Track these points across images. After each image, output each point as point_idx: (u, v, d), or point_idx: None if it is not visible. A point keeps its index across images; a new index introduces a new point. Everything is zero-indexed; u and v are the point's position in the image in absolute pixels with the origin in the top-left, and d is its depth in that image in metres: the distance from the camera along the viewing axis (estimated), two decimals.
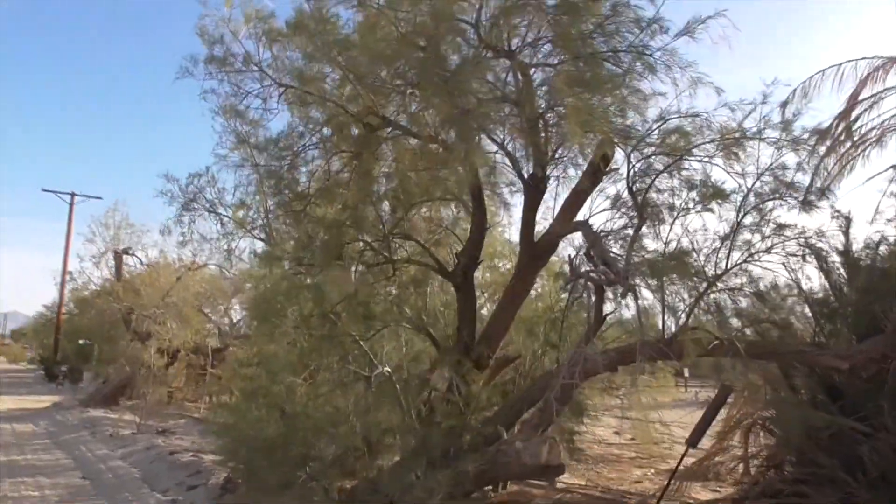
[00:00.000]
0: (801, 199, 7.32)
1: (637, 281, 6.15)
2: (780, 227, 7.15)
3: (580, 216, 7.83)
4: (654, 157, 6.44)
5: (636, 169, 6.54)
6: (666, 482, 9.45)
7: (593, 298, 7.06)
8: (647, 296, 7.44)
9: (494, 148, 7.87)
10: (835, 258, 7.80)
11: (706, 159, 6.58)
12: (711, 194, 7.30)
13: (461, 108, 5.78)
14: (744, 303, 7.23)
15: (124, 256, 23.79)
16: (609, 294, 6.85)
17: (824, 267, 8.26)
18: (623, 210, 6.80)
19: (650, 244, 7.43)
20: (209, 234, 11.18)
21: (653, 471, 13.23)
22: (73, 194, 39.01)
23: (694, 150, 6.55)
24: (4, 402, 26.60)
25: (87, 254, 25.06)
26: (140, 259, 23.48)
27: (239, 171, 7.65)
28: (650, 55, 5.74)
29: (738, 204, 7.32)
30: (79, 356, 34.93)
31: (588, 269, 6.37)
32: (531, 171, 7.32)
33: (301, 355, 7.21)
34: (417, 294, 7.42)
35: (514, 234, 10.62)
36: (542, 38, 5.84)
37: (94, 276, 25.71)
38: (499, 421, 7.71)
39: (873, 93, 10.87)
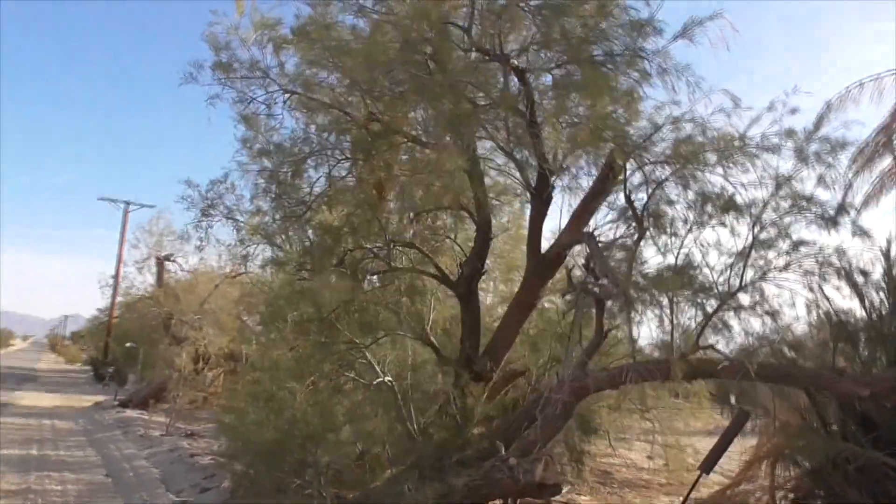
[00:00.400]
0: (824, 215, 6.96)
1: (634, 295, 5.86)
2: (797, 245, 6.80)
3: (591, 227, 7.64)
4: (652, 165, 6.19)
5: (636, 178, 6.30)
6: None
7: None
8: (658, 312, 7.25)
9: (503, 158, 7.76)
10: (866, 280, 7.35)
11: (709, 169, 6.26)
12: (724, 207, 7.01)
13: (455, 112, 5.68)
14: (756, 323, 6.87)
15: (166, 263, 24.41)
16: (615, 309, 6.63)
17: (858, 289, 7.84)
18: (625, 221, 6.55)
19: (657, 258, 7.24)
20: (228, 240, 11.27)
21: (681, 498, 12.76)
22: (127, 203, 40.30)
23: (701, 161, 6.24)
24: (52, 400, 27.52)
25: (130, 259, 25.81)
26: (180, 265, 24.04)
27: (256, 177, 7.71)
28: (645, 58, 5.52)
29: (754, 219, 7.01)
30: (126, 358, 35.92)
31: (589, 281, 6.15)
32: (536, 181, 7.16)
33: (299, 360, 7.18)
34: (414, 303, 7.30)
35: None
36: (534, 42, 5.68)
37: (138, 282, 26.46)
38: (498, 436, 7.51)
39: None
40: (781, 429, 9.17)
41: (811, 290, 6.91)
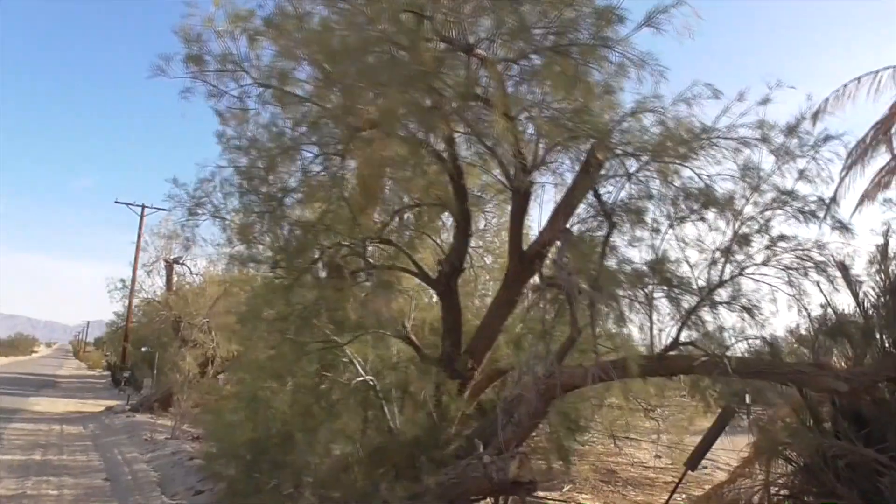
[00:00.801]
0: (808, 210, 6.81)
1: (593, 291, 5.75)
2: (779, 239, 6.65)
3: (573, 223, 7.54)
4: (620, 157, 6.08)
5: (602, 171, 6.20)
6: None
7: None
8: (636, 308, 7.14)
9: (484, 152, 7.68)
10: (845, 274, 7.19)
11: (684, 162, 6.13)
12: (704, 202, 6.89)
13: (423, 104, 5.62)
14: (733, 318, 6.73)
15: (175, 266, 24.60)
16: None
17: (853, 286, 7.69)
18: (595, 216, 6.45)
19: (640, 254, 7.13)
20: (216, 239, 11.27)
21: (684, 496, 12.61)
22: (143, 206, 40.64)
23: (675, 154, 6.12)
24: (65, 405, 27.87)
25: (140, 263, 26.05)
26: (189, 269, 24.19)
27: (231, 174, 7.68)
28: (609, 46, 5.41)
29: (735, 213, 6.88)
30: (143, 363, 36.26)
31: (560, 276, 6.06)
32: (514, 175, 7.08)
33: (273, 359, 7.16)
34: (388, 300, 7.24)
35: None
36: (500, 32, 5.59)
37: (147, 286, 26.69)
38: (477, 434, 7.44)
39: None
40: (775, 426, 9.05)
41: (791, 284, 6.75)
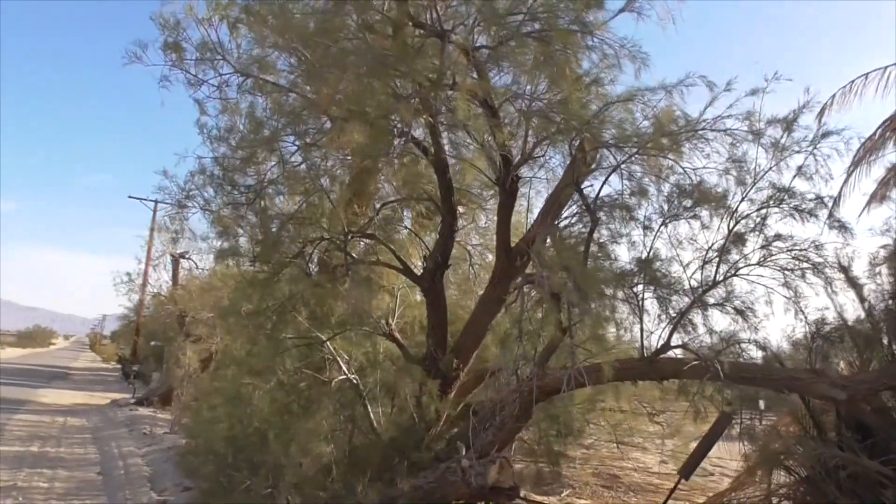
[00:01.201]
0: (804, 209, 6.50)
1: (574, 291, 5.48)
2: (771, 240, 6.35)
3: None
4: (604, 150, 5.81)
5: (592, 165, 5.92)
6: None
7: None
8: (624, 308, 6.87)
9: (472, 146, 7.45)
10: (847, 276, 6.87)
11: (675, 156, 5.84)
12: (697, 199, 6.60)
13: (388, 90, 5.39)
14: (725, 321, 6.44)
15: (181, 260, 24.55)
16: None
17: (858, 290, 7.39)
18: (579, 211, 6.18)
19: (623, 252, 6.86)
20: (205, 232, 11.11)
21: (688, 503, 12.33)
22: (156, 202, 40.71)
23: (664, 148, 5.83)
24: (73, 397, 27.98)
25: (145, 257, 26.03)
26: (195, 263, 24.12)
27: (211, 165, 7.48)
28: (589, 31, 5.14)
29: (729, 211, 6.59)
30: (152, 357, 36.38)
31: (538, 274, 5.80)
32: (499, 171, 6.83)
33: (250, 355, 6.98)
34: (368, 296, 7.01)
35: None
36: (476, 17, 5.34)
37: (153, 279, 26.68)
38: (461, 437, 7.20)
39: None
40: (777, 435, 8.76)
41: (788, 286, 6.44)
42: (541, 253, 5.69)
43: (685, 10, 5.28)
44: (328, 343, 7.23)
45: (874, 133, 9.14)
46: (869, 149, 8.92)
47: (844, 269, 6.99)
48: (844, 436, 7.74)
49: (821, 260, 6.41)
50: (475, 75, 5.80)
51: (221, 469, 7.07)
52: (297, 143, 6.62)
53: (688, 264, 6.64)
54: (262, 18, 6.30)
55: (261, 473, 6.97)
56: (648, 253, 6.59)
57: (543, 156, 6.98)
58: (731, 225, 6.61)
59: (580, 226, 6.26)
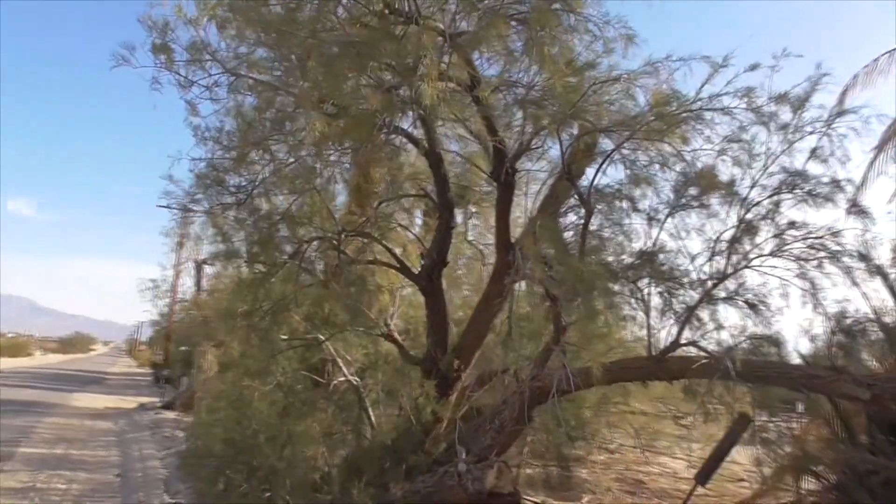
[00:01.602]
0: (819, 193, 6.10)
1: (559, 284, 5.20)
2: (783, 228, 5.96)
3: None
4: (601, 137, 5.50)
5: (580, 153, 5.62)
6: None
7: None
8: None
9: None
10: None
11: (677, 141, 5.51)
12: (704, 186, 6.25)
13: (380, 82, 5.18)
14: (736, 315, 6.06)
15: (204, 266, 24.74)
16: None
17: (887, 279, 6.98)
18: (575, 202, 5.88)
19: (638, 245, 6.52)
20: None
21: None
22: (185, 209, 41.06)
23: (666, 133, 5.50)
24: (105, 401, 28.40)
25: (169, 263, 26.32)
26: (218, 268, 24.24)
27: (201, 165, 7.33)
28: (570, 10, 4.85)
29: (739, 199, 6.22)
30: (182, 361, 36.74)
31: (523, 268, 5.52)
32: (493, 162, 6.57)
33: (243, 356, 6.83)
34: (363, 296, 6.80)
35: None
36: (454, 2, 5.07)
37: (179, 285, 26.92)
38: (462, 440, 6.95)
39: None
40: (805, 439, 8.36)
41: (803, 277, 6.04)
42: (523, 245, 5.42)
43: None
44: (328, 344, 7.04)
45: None
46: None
47: (866, 258, 6.56)
48: (876, 439, 7.33)
49: (839, 248, 5.99)
50: (451, 60, 5.54)
51: (219, 472, 6.93)
52: (285, 140, 6.44)
53: (695, 256, 6.30)
54: (245, 15, 6.14)
55: (258, 476, 6.81)
56: (654, 244, 6.27)
57: (541, 147, 6.68)
58: (742, 213, 6.24)
59: (576, 218, 5.96)
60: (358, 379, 7.46)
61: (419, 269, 7.33)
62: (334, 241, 6.81)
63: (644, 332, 6.67)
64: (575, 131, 6.17)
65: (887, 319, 7.06)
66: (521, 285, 7.12)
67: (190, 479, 8.91)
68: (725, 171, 6.05)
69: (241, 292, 6.96)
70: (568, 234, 5.98)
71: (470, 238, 10.44)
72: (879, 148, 8.53)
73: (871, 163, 8.79)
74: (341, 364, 7.44)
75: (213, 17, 6.58)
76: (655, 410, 12.38)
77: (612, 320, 6.41)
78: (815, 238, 6.01)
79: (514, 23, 5.05)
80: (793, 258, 6.10)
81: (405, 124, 7.01)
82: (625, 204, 5.92)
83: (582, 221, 5.99)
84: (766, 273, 6.13)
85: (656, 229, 6.19)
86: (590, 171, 6.49)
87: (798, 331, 6.21)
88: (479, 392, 7.78)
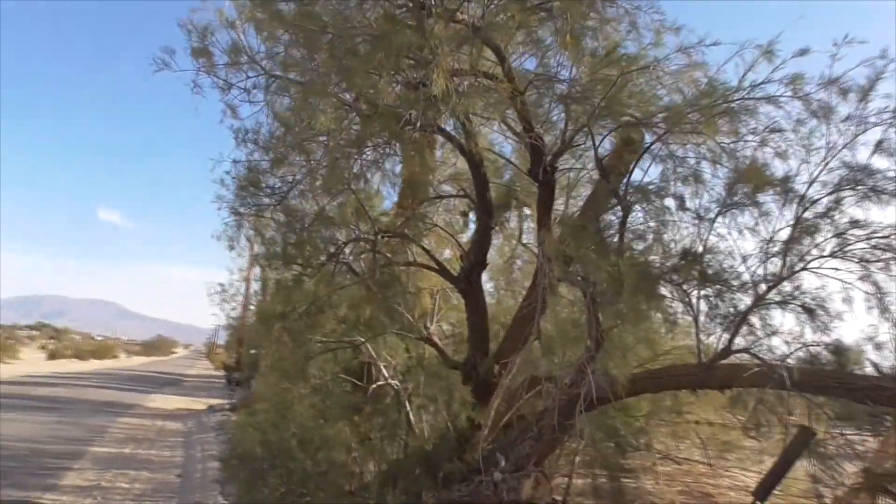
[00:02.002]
0: (885, 190, 5.60)
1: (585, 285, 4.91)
2: (846, 228, 5.47)
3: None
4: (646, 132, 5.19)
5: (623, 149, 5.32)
6: None
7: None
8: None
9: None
10: None
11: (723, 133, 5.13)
12: (758, 183, 5.83)
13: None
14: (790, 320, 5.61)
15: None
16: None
17: None
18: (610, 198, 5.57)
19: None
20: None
21: None
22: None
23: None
24: (178, 402, 29.44)
25: (235, 268, 26.94)
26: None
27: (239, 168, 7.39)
28: None
29: (797, 196, 5.77)
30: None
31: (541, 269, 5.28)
32: (531, 161, 6.33)
33: (280, 359, 6.82)
34: (389, 297, 6.65)
35: None
36: None
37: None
38: (503, 448, 6.73)
39: None
40: (883, 455, 7.73)
41: (867, 279, 5.53)
42: (543, 242, 5.17)
43: None
44: (368, 347, 6.96)
45: None
46: None
47: None
48: None
49: None
50: (479, 52, 5.35)
51: (257, 475, 6.93)
52: (322, 141, 6.40)
53: (747, 257, 5.88)
54: (268, 10, 6.15)
55: (295, 480, 6.77)
56: (703, 245, 5.90)
57: (583, 144, 6.39)
58: (799, 211, 5.79)
59: (613, 217, 5.65)
60: (398, 383, 7.33)
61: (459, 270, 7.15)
62: (370, 242, 6.72)
63: (687, 338, 6.31)
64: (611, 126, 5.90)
65: None
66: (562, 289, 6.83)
67: (231, 481, 9.00)
68: (781, 166, 5.61)
69: (277, 295, 6.96)
70: (609, 235, 5.67)
71: (525, 241, 10.21)
72: None
73: None
74: (382, 367, 7.33)
75: (252, 19, 6.61)
76: (724, 420, 11.83)
77: (657, 325, 6.07)
78: (881, 238, 5.51)
79: (542, 13, 4.82)
80: (855, 259, 5.62)
81: (448, 125, 6.92)
82: (669, 202, 5.58)
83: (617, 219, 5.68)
84: (825, 276, 5.66)
85: (705, 229, 5.82)
86: (641, 169, 6.21)
87: (862, 338, 5.69)
88: (521, 399, 7.54)
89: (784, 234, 5.79)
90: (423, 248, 7.02)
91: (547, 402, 6.33)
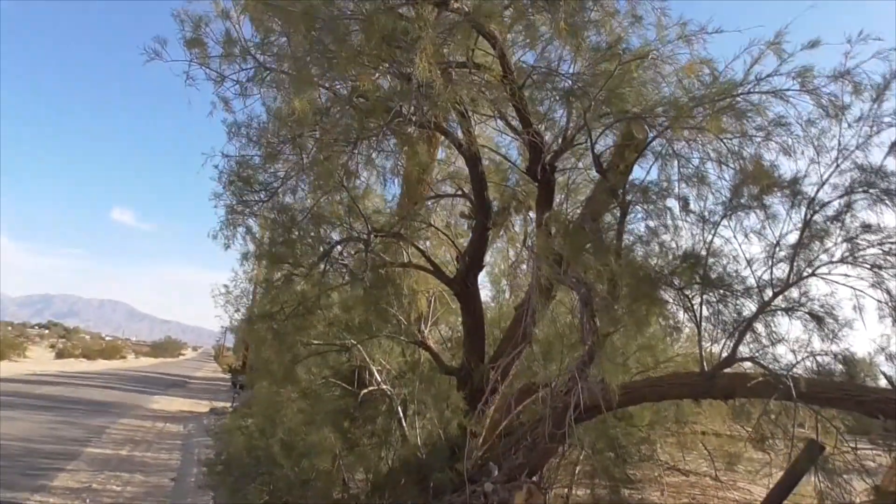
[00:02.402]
0: None
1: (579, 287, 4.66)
2: (857, 232, 5.21)
3: None
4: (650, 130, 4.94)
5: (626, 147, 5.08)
6: None
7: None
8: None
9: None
10: None
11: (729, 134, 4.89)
12: (765, 185, 5.58)
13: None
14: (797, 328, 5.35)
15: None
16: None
17: None
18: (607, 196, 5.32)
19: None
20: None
21: None
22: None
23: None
24: (181, 404, 29.28)
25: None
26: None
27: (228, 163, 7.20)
28: None
29: (806, 198, 5.51)
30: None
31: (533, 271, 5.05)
32: (529, 160, 6.11)
33: (266, 362, 6.60)
34: (383, 300, 6.42)
35: None
36: None
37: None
38: (496, 457, 6.48)
39: None
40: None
41: (879, 286, 5.26)
42: (534, 243, 4.94)
43: None
44: (360, 350, 6.73)
45: None
46: None
47: None
48: None
49: None
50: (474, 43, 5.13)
51: (242, 482, 6.70)
52: (334, 138, 6.18)
53: (752, 262, 5.63)
54: (277, 9, 5.96)
55: (280, 487, 6.54)
56: (706, 247, 5.65)
57: (584, 143, 6.16)
58: (808, 215, 5.53)
59: (611, 218, 5.40)
60: (391, 388, 7.09)
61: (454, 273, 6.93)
62: (363, 242, 6.50)
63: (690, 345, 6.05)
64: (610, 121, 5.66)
65: None
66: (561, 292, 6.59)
67: (216, 488, 8.78)
68: (789, 167, 5.36)
69: (266, 294, 6.75)
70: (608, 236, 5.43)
71: (529, 245, 10.00)
72: None
73: None
74: (375, 371, 7.10)
75: (246, 11, 6.43)
76: (732, 431, 11.53)
77: (657, 331, 5.82)
78: (894, 243, 5.24)
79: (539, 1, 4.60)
80: (867, 265, 5.35)
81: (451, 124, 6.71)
82: (671, 203, 5.33)
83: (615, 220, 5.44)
84: (835, 282, 5.39)
85: (708, 231, 5.57)
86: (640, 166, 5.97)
87: (874, 348, 5.42)
88: (515, 407, 7.29)
89: (792, 238, 5.55)
90: (419, 249, 6.79)
91: (541, 410, 6.09)
